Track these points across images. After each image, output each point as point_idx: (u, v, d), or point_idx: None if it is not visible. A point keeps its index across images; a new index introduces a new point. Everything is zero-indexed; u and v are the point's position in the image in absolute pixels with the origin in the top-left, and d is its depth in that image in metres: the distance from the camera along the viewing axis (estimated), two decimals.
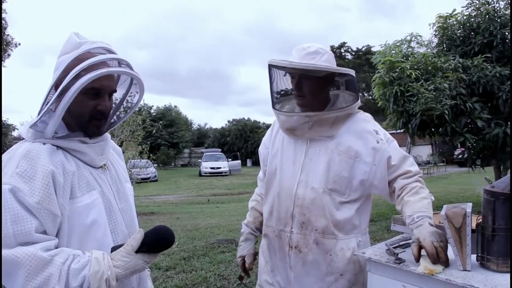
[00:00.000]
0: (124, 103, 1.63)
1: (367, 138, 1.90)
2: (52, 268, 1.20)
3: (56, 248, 1.27)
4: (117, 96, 1.59)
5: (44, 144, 1.34)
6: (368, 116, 2.02)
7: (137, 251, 1.30)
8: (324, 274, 1.90)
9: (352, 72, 1.89)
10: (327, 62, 1.86)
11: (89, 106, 1.38)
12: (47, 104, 1.32)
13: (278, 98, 2.06)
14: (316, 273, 1.90)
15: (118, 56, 1.43)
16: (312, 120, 1.90)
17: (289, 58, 1.86)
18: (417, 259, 1.58)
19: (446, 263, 1.55)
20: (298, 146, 1.97)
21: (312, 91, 1.89)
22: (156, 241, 1.34)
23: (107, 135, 1.55)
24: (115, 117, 1.62)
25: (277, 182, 2.00)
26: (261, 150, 2.20)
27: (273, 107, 1.99)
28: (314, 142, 1.94)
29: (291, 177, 1.95)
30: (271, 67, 1.95)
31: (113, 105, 1.55)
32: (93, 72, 1.29)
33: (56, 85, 1.33)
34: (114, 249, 1.33)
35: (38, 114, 1.33)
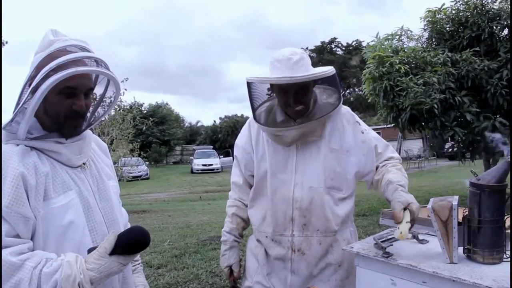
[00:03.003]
0: (107, 100, 1.59)
1: (354, 131, 1.96)
2: (23, 272, 1.18)
3: (32, 251, 1.24)
4: (96, 93, 1.56)
5: (17, 145, 1.30)
6: (347, 108, 2.03)
7: (112, 253, 1.26)
8: (324, 268, 1.94)
9: (333, 69, 1.86)
10: (310, 64, 1.84)
11: (64, 105, 1.34)
12: (20, 104, 1.29)
13: (267, 114, 1.99)
14: (318, 270, 1.95)
15: (88, 54, 1.37)
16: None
17: (274, 72, 1.79)
18: (401, 220, 1.65)
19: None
20: (287, 149, 1.94)
21: (310, 99, 1.88)
22: (130, 243, 1.30)
23: (87, 132, 1.51)
24: (95, 115, 1.58)
25: (270, 186, 1.96)
26: (241, 155, 2.11)
27: (268, 125, 1.93)
28: (304, 143, 1.92)
29: (285, 180, 1.93)
30: (272, 86, 1.89)
31: (92, 103, 1.51)
32: (60, 72, 1.25)
33: (29, 84, 1.30)
34: (90, 250, 1.30)
35: (13, 113, 1.30)
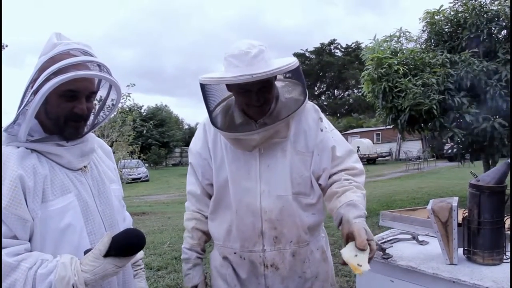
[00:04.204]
0: (110, 104, 1.58)
1: (315, 129, 1.77)
2: (18, 273, 1.18)
3: (30, 252, 1.24)
4: (102, 96, 1.56)
5: (18, 147, 1.30)
6: (311, 103, 1.84)
7: (107, 255, 1.25)
8: (303, 283, 1.80)
9: (296, 60, 1.65)
10: (271, 57, 1.64)
11: (65, 108, 1.34)
12: (22, 106, 1.29)
13: (224, 116, 1.80)
14: (294, 285, 1.79)
15: (91, 58, 1.37)
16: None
17: (230, 69, 1.60)
18: (365, 247, 1.43)
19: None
20: (249, 153, 1.74)
21: (273, 96, 1.71)
22: (124, 245, 1.28)
23: (89, 135, 1.51)
24: (97, 119, 1.58)
25: (232, 197, 1.76)
26: (196, 162, 1.87)
27: (227, 130, 1.74)
28: (267, 146, 1.73)
29: (249, 189, 1.73)
30: (231, 86, 1.68)
31: (95, 106, 1.51)
32: (61, 75, 1.26)
33: (32, 86, 1.30)
34: (86, 252, 1.29)
35: (15, 115, 1.30)
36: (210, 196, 1.87)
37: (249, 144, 1.70)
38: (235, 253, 1.80)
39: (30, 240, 1.27)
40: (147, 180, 25.47)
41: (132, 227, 1.46)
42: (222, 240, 1.83)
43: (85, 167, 1.46)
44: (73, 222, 1.34)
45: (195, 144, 1.88)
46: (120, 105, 11.07)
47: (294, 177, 1.72)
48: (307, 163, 1.74)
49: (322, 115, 1.83)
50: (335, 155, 1.74)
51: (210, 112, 1.74)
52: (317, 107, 1.84)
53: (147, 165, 31.07)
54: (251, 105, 1.67)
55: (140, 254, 1.76)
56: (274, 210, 1.71)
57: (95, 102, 1.54)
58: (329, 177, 1.74)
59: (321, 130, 1.76)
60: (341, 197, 1.62)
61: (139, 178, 23.01)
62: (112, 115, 1.63)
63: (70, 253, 1.28)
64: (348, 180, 1.69)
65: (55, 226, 1.31)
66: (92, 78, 1.40)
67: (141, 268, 1.76)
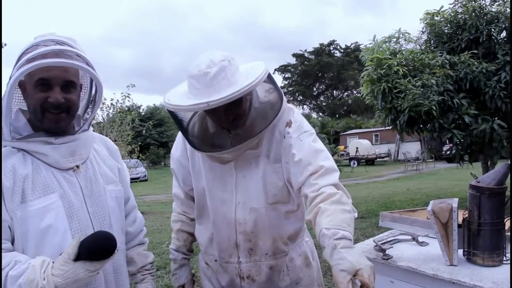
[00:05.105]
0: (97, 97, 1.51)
1: (282, 135, 1.65)
2: None
3: (10, 252, 1.24)
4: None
5: (5, 146, 1.30)
6: (289, 106, 1.71)
7: (77, 259, 1.21)
8: None
9: (266, 70, 1.55)
10: (238, 71, 1.54)
11: (40, 98, 1.30)
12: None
13: (198, 129, 1.73)
14: None
15: (60, 47, 1.31)
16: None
17: (190, 90, 1.51)
18: None
19: None
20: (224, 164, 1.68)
21: (245, 108, 1.61)
22: (92, 248, 1.23)
23: (84, 134, 1.46)
24: (87, 114, 1.51)
25: (210, 207, 1.73)
26: (177, 168, 1.85)
27: (202, 147, 1.67)
28: (241, 158, 1.66)
29: (225, 200, 1.68)
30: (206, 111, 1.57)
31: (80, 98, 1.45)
32: (25, 66, 1.23)
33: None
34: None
35: None
36: (193, 199, 1.84)
37: (222, 160, 1.66)
38: (215, 260, 1.79)
39: (13, 241, 1.27)
40: (146, 180, 25.47)
41: (103, 230, 1.41)
42: (204, 247, 1.83)
43: (77, 166, 1.42)
44: (55, 223, 1.32)
45: (176, 150, 1.85)
46: (119, 105, 11.11)
47: (268, 188, 1.65)
48: (279, 172, 1.65)
49: (295, 118, 1.67)
50: (295, 160, 1.57)
51: (185, 132, 1.69)
52: (293, 108, 1.72)
53: (145, 164, 31.10)
54: (222, 122, 1.61)
55: (150, 258, 1.73)
56: (248, 222, 1.66)
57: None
58: (301, 187, 1.57)
59: (284, 137, 1.64)
60: (315, 227, 1.41)
61: (138, 178, 23.03)
62: (99, 107, 1.57)
63: (52, 254, 1.26)
64: (315, 192, 1.47)
65: (35, 227, 1.29)
66: (68, 67, 1.33)
67: (149, 273, 1.71)
